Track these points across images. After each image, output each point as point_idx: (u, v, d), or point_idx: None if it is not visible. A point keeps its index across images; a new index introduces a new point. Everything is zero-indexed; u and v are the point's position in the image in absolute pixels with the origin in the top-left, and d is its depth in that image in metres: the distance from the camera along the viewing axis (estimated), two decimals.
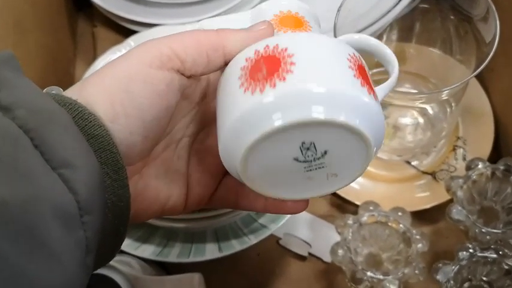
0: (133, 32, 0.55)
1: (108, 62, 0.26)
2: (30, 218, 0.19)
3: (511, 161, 0.45)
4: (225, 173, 0.30)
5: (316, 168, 0.25)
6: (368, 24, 0.48)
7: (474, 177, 0.46)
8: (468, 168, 0.46)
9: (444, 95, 0.42)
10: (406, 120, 0.51)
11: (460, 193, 0.46)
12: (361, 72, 0.24)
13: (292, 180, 0.25)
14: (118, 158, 0.24)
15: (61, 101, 0.24)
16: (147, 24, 0.55)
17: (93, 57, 0.58)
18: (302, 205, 0.29)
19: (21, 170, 0.20)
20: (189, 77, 0.27)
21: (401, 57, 0.52)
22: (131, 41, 0.52)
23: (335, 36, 0.43)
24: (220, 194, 0.30)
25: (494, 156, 0.50)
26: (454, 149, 0.51)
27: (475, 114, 0.51)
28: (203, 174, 0.30)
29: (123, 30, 0.58)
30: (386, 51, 0.28)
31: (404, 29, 0.49)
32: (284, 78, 0.23)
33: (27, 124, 0.21)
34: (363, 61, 0.26)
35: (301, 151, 0.24)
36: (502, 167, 0.45)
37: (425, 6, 0.45)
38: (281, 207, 0.29)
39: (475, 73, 0.38)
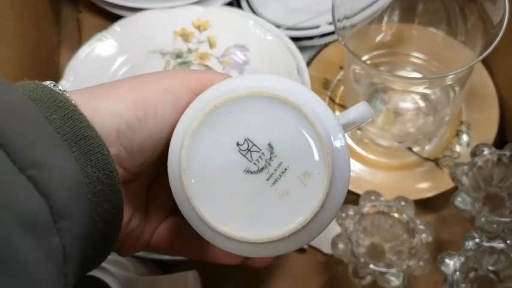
0: (120, 17, 0.53)
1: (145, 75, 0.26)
2: None
3: None
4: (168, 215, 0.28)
5: (279, 174, 0.21)
6: (367, 5, 0.46)
7: (480, 163, 0.44)
8: (473, 154, 0.44)
9: (448, 80, 0.40)
10: (407, 104, 0.49)
11: (465, 180, 0.44)
12: None
13: (262, 207, 0.21)
14: (109, 160, 0.22)
15: (51, 96, 0.22)
16: (133, 9, 0.52)
17: (79, 44, 0.56)
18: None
19: None
20: None
21: (401, 39, 0.50)
22: (117, 27, 0.50)
23: (333, 16, 0.41)
24: (158, 236, 0.28)
25: (499, 141, 0.48)
26: (457, 134, 0.49)
27: (479, 98, 0.49)
28: (155, 211, 0.28)
29: (109, 15, 0.55)
30: None
31: (406, 9, 0.46)
32: None
33: None
34: None
35: (244, 155, 0.21)
36: (508, 153, 0.43)
37: None
38: (215, 255, 0.27)
39: (482, 56, 0.35)
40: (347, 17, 0.43)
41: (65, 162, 0.20)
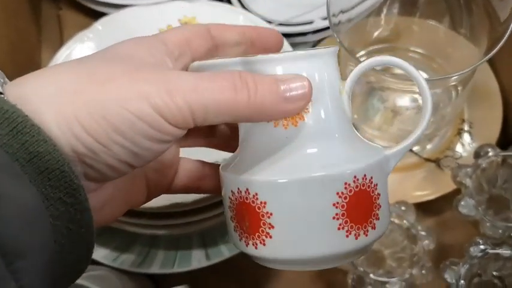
0: (102, 14, 0.50)
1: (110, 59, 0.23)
2: None
3: None
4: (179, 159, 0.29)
5: None
6: None
7: (484, 165, 0.42)
8: (477, 155, 0.42)
9: (452, 81, 0.37)
10: (406, 103, 0.47)
11: (469, 183, 0.42)
12: (352, 205, 0.23)
13: None
14: (72, 177, 0.19)
15: None
16: (116, 5, 0.50)
17: (60, 42, 0.54)
18: None
19: None
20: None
21: (400, 33, 0.47)
22: (99, 25, 0.47)
23: (327, 11, 0.38)
24: (181, 179, 0.29)
25: (502, 140, 0.46)
26: (459, 133, 0.47)
27: (482, 95, 0.46)
28: (159, 164, 0.28)
29: (90, 12, 0.53)
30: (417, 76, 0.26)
31: (406, 1, 0.44)
32: (264, 242, 0.23)
33: None
34: (367, 178, 0.24)
35: None
36: None
37: None
38: None
39: (488, 56, 0.33)
40: (343, 11, 0.41)
41: (17, 188, 0.18)
